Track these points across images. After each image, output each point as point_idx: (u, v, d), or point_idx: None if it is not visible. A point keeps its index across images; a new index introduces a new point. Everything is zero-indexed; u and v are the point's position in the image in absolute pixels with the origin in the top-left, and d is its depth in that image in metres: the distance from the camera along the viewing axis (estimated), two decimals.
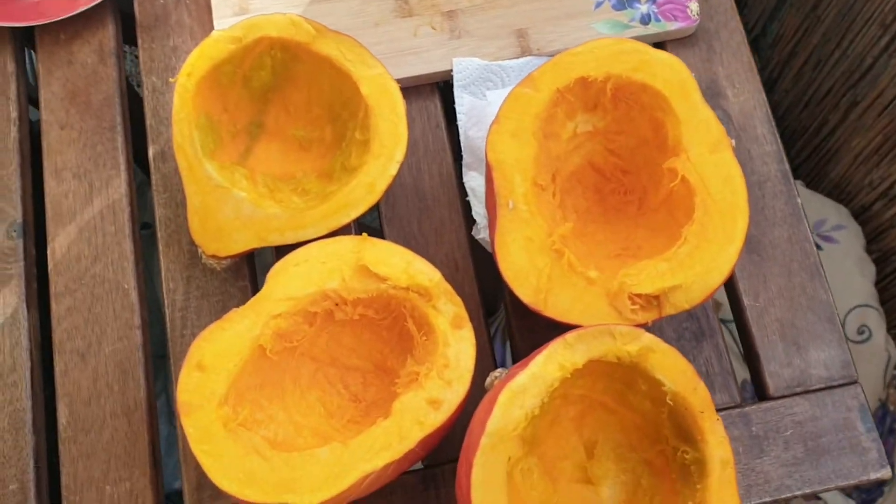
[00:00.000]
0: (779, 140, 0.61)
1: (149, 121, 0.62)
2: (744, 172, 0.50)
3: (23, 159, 0.62)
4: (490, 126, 0.52)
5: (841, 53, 1.16)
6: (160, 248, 0.58)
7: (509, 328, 0.58)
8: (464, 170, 0.59)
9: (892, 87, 1.06)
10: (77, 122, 0.62)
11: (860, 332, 1.00)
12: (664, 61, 0.51)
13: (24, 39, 0.65)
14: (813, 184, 1.27)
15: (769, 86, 1.37)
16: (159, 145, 0.61)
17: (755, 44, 1.41)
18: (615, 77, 0.51)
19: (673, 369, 0.45)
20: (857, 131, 1.15)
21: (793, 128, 1.34)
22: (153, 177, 0.60)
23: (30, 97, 0.66)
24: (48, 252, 0.59)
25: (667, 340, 0.55)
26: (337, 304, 0.50)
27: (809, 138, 1.30)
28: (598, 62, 0.51)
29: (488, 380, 0.48)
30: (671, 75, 0.51)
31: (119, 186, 0.60)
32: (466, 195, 0.59)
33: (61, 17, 0.62)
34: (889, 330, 1.07)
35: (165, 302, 0.57)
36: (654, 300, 0.47)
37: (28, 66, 0.71)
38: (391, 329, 0.52)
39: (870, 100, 1.11)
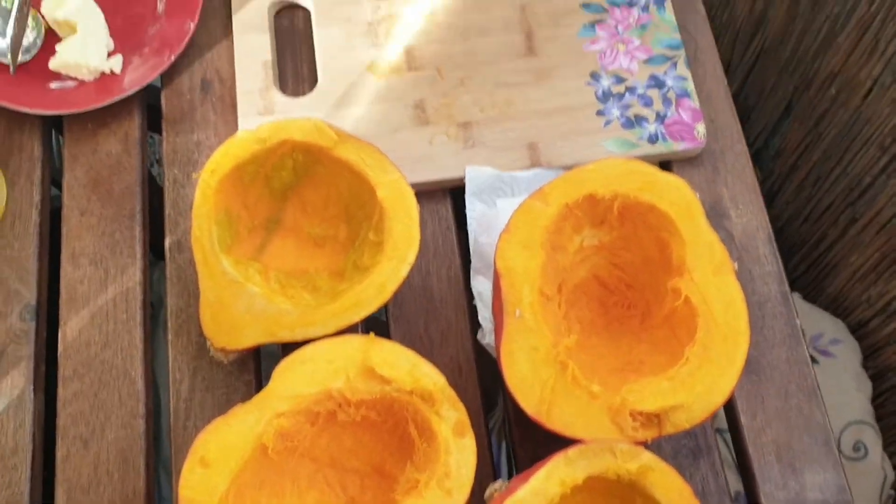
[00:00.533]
0: (779, 261, 0.63)
1: (168, 211, 0.63)
2: (745, 292, 0.51)
3: (41, 243, 0.63)
4: (500, 234, 0.53)
5: (841, 171, 1.19)
6: (170, 337, 0.59)
7: (510, 435, 0.58)
8: (472, 274, 0.61)
9: (890, 207, 1.08)
10: (97, 209, 0.63)
11: (856, 450, 1.00)
12: (671, 183, 0.53)
13: (54, 124, 0.68)
14: (811, 297, 1.28)
15: (770, 198, 1.40)
16: (176, 236, 0.63)
17: (757, 156, 1.45)
18: (622, 196, 0.53)
19: (671, 489, 0.45)
20: (856, 248, 1.17)
21: (792, 240, 1.36)
22: (168, 266, 0.62)
23: (53, 178, 0.68)
24: (59, 336, 0.59)
25: (664, 456, 0.56)
26: (340, 405, 0.51)
27: (808, 252, 1.32)
28: (607, 181, 0.53)
29: (488, 492, 0.48)
30: (677, 197, 0.53)
31: (134, 274, 0.61)
32: (473, 299, 0.60)
33: (91, 108, 0.65)
34: (885, 448, 1.07)
35: (170, 391, 0.58)
36: (655, 418, 0.48)
37: (55, 147, 0.73)
38: (393, 432, 0.52)
39: (868, 218, 1.13)
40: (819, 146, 1.25)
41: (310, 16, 0.70)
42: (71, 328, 0.60)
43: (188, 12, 0.68)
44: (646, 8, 0.69)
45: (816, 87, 1.23)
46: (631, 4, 0.69)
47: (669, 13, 0.69)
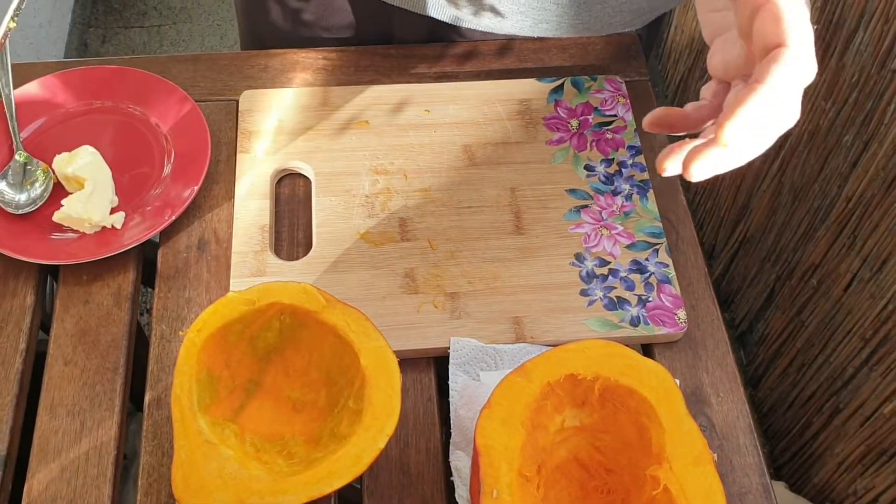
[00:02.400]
0: (760, 452, 0.63)
1: (151, 367, 0.63)
2: (725, 482, 0.51)
3: (21, 391, 0.63)
4: (481, 409, 0.53)
5: (824, 360, 1.21)
6: (139, 497, 0.58)
7: None
8: (451, 448, 0.60)
9: (873, 400, 1.09)
10: (82, 360, 0.63)
11: None
12: (651, 369, 0.54)
13: (50, 271, 0.69)
14: (797, 486, 1.26)
15: (754, 383, 1.40)
16: (157, 392, 0.62)
17: (741, 340, 1.47)
18: (604, 378, 0.54)
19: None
20: (841, 438, 1.17)
21: (777, 427, 1.35)
22: (145, 422, 0.61)
23: (42, 322, 0.69)
24: (25, 488, 0.58)
25: None
26: None
27: (793, 439, 1.31)
28: (588, 362, 0.54)
29: None
30: (657, 384, 0.53)
31: (110, 428, 0.61)
32: (451, 475, 0.60)
33: (88, 260, 0.66)
34: None
35: None
36: None
37: (48, 292, 0.74)
38: None
39: (852, 409, 1.13)
40: (802, 334, 1.27)
41: (310, 185, 0.73)
42: (38, 481, 0.58)
43: (193, 176, 0.70)
44: (629, 197, 0.72)
45: (798, 276, 1.26)
46: (615, 193, 0.72)
47: (652, 203, 0.72)
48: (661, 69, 1.76)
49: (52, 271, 0.69)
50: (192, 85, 0.78)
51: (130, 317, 0.66)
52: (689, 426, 0.52)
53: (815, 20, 1.14)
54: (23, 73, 0.76)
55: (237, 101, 0.77)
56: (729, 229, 1.48)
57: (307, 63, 0.81)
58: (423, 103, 0.77)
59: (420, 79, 0.80)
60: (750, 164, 1.36)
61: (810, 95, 1.18)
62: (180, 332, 0.61)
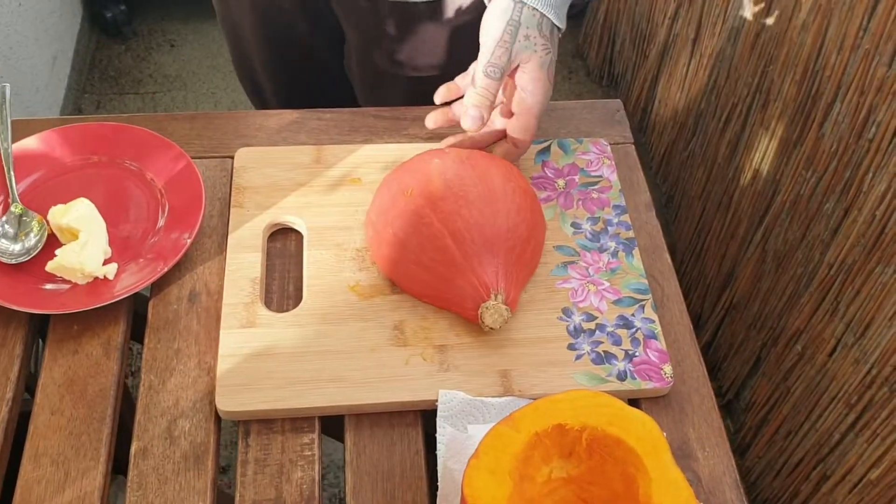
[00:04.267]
0: None
1: (138, 416, 0.63)
2: None
3: (5, 440, 0.62)
4: (469, 460, 0.53)
5: (810, 426, 1.20)
6: None
7: None
8: (438, 501, 0.60)
9: (860, 466, 1.08)
10: (69, 410, 0.63)
11: None
12: (638, 419, 0.54)
13: (40, 324, 0.69)
14: None
15: (742, 450, 1.40)
16: (143, 442, 0.62)
17: (728, 407, 1.47)
18: (591, 428, 0.54)
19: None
20: None
21: (765, 495, 1.34)
22: (130, 473, 0.61)
23: (26, 384, 0.69)
24: None
25: None
26: None
27: None
28: (575, 412, 0.54)
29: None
30: (644, 433, 0.53)
31: (94, 478, 0.60)
32: None
33: (79, 310, 0.66)
34: None
35: None
36: None
37: (34, 353, 0.74)
38: None
39: (839, 475, 1.13)
40: (788, 400, 1.27)
41: (302, 239, 0.74)
42: None
43: (186, 229, 0.71)
44: (615, 254, 0.73)
45: (783, 343, 1.27)
46: (601, 250, 0.73)
47: (637, 260, 0.73)
48: (646, 141, 1.80)
49: (42, 325, 0.69)
50: (188, 142, 0.80)
51: (119, 367, 0.66)
52: (675, 475, 0.52)
53: (795, 95, 1.18)
54: (21, 129, 0.78)
55: (232, 159, 0.79)
56: (715, 297, 1.49)
57: (302, 123, 0.83)
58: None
59: (412, 139, 0.82)
60: (734, 232, 1.37)
61: (792, 164, 1.21)
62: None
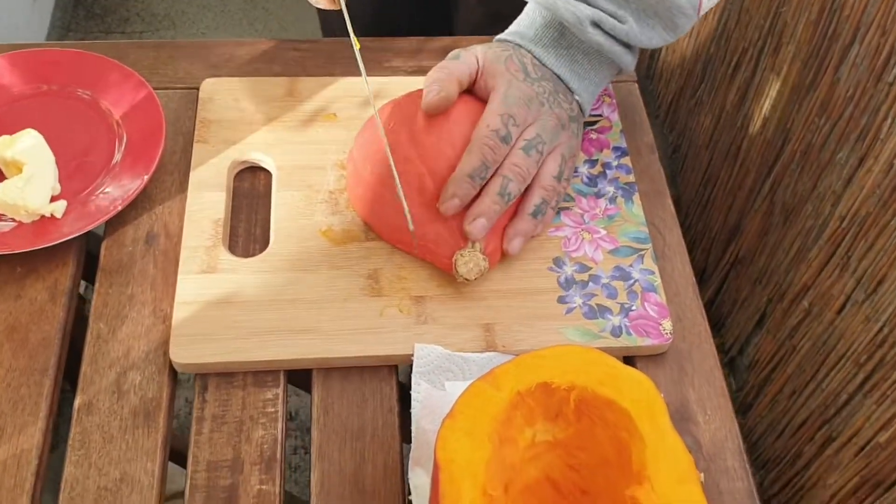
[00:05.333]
0: (750, 476, 0.57)
1: (84, 368, 0.58)
2: None
3: None
4: (444, 419, 0.48)
5: (816, 385, 1.15)
6: None
7: None
8: (409, 464, 0.54)
9: (868, 428, 1.03)
10: (7, 360, 0.58)
11: None
12: (633, 378, 0.48)
13: None
14: None
15: (744, 409, 1.35)
16: (88, 396, 0.57)
17: (731, 364, 1.41)
18: (580, 388, 0.48)
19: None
20: (834, 468, 1.11)
21: (767, 455, 1.30)
22: (72, 430, 0.55)
23: None
24: None
25: None
26: None
27: (784, 469, 1.25)
28: (563, 369, 0.49)
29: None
30: (639, 394, 0.48)
31: (33, 435, 0.55)
32: (409, 493, 0.54)
33: (23, 251, 0.60)
34: None
35: None
36: None
37: None
38: None
39: (845, 437, 1.08)
40: (793, 359, 1.21)
41: (271, 179, 0.68)
42: None
43: (144, 165, 0.65)
44: (613, 200, 0.67)
45: (790, 299, 1.21)
46: (598, 195, 0.67)
47: (637, 207, 0.67)
48: (653, 89, 1.73)
49: None
50: (152, 72, 0.74)
51: (66, 314, 0.61)
52: (673, 441, 0.47)
53: (809, 37, 1.11)
54: None
55: (198, 90, 0.72)
56: (720, 250, 1.43)
57: (276, 53, 0.76)
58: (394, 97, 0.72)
59: (395, 72, 0.76)
60: (741, 183, 1.30)
61: (804, 111, 1.14)
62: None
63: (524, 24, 0.65)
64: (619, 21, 0.62)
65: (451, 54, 0.64)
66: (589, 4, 0.61)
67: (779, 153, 1.21)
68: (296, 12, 1.95)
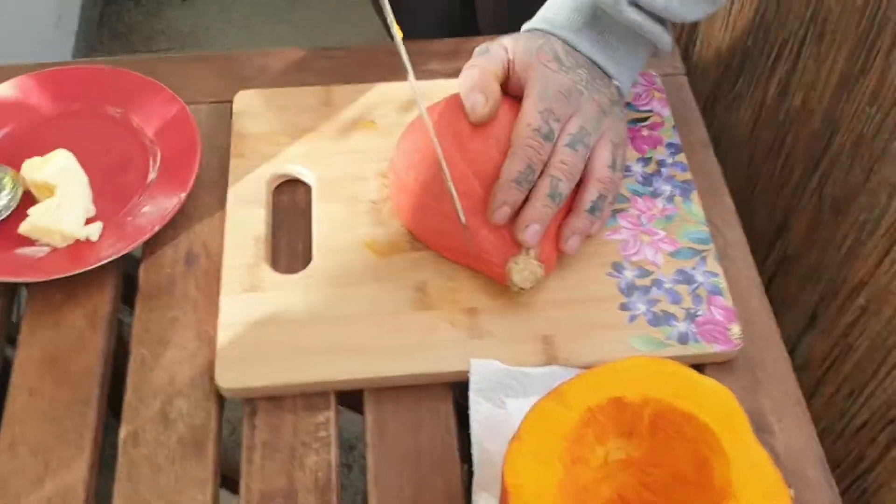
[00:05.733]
0: (835, 488, 0.53)
1: (128, 397, 0.55)
2: None
3: None
4: (510, 442, 0.45)
5: (876, 385, 1.10)
6: None
7: None
8: (474, 489, 0.51)
9: None
10: (49, 391, 0.56)
11: None
12: (712, 389, 0.45)
13: (15, 290, 0.61)
14: None
15: None
16: (133, 426, 0.54)
17: None
18: (655, 401, 0.45)
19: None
20: None
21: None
22: (119, 462, 0.53)
23: (10, 336, 0.61)
24: None
25: None
26: None
27: (844, 473, 1.20)
28: (636, 382, 0.46)
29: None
30: (719, 406, 0.45)
31: (79, 469, 0.53)
32: None
33: (59, 277, 0.58)
34: None
35: None
36: None
37: (16, 314, 0.66)
38: None
39: None
40: (850, 358, 1.17)
41: (311, 192, 0.65)
42: None
43: (180, 183, 0.63)
44: (670, 199, 0.64)
45: (844, 296, 1.17)
46: (654, 195, 0.64)
47: (696, 205, 0.64)
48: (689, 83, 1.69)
49: (19, 293, 0.62)
50: (181, 87, 0.71)
51: (107, 341, 0.58)
52: (759, 455, 0.43)
53: (857, 23, 1.07)
54: None
55: (231, 104, 0.70)
56: (766, 249, 1.38)
57: (308, 62, 0.74)
58: (435, 100, 0.69)
59: (432, 76, 0.73)
60: (786, 179, 1.26)
61: (853, 101, 1.10)
62: None
63: (552, 9, 0.62)
64: None
65: (478, 49, 0.61)
66: None
67: (827, 145, 1.17)
68: (324, 24, 1.93)
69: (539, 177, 0.57)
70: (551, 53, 0.59)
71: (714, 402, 0.45)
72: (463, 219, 0.56)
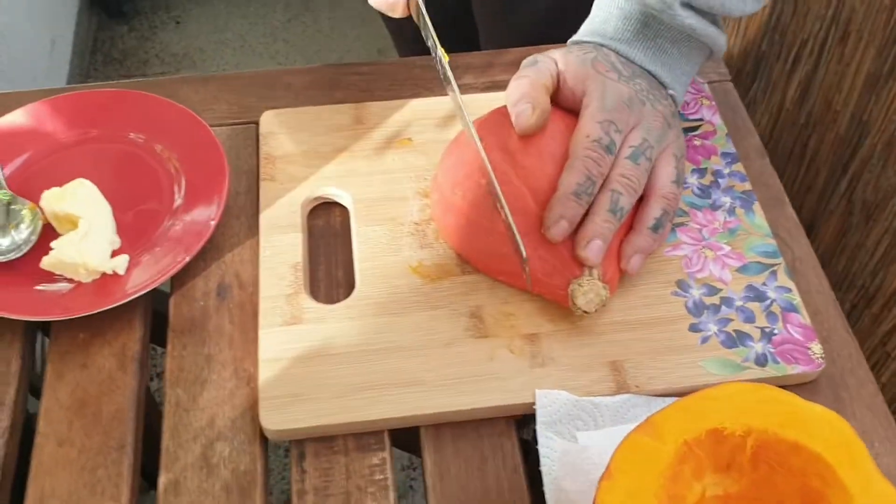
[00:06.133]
0: None
1: (166, 443, 0.51)
2: None
3: (4, 478, 0.50)
4: (598, 480, 0.41)
5: None
6: None
7: None
8: None
9: None
10: (79, 439, 0.51)
11: None
12: (821, 416, 0.41)
13: (39, 329, 0.57)
14: None
15: None
16: (174, 473, 0.50)
17: None
18: (758, 432, 0.41)
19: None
20: None
21: None
22: None
23: (33, 386, 0.57)
24: None
25: None
26: None
27: None
28: (736, 412, 0.42)
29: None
30: (832, 435, 0.41)
31: None
32: None
33: (85, 314, 0.54)
34: None
35: None
36: None
37: (39, 356, 0.62)
38: None
39: None
40: (888, 367, 1.13)
41: (348, 214, 0.61)
42: None
43: (208, 210, 0.59)
44: (732, 211, 0.60)
45: (880, 303, 1.14)
46: (714, 207, 0.60)
47: (760, 217, 0.60)
48: None
49: (43, 330, 0.57)
50: (204, 109, 0.67)
51: (138, 382, 0.54)
52: (884, 488, 0.39)
53: (884, 22, 1.04)
54: (3, 104, 0.65)
55: (257, 125, 0.66)
56: None
57: (336, 79, 0.70)
58: (473, 116, 0.65)
59: (467, 90, 0.69)
60: (811, 184, 1.22)
61: (882, 102, 1.07)
62: None
63: (598, 20, 0.59)
64: None
65: (526, 61, 0.58)
66: None
67: (855, 148, 1.14)
68: (319, 42, 1.90)
69: (599, 191, 0.54)
70: (608, 64, 0.56)
71: (826, 431, 0.41)
72: (522, 249, 0.52)
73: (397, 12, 0.57)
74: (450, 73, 0.55)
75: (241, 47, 1.89)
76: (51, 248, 0.55)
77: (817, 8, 1.18)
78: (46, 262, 0.55)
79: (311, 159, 0.63)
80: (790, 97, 1.29)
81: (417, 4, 0.56)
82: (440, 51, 0.55)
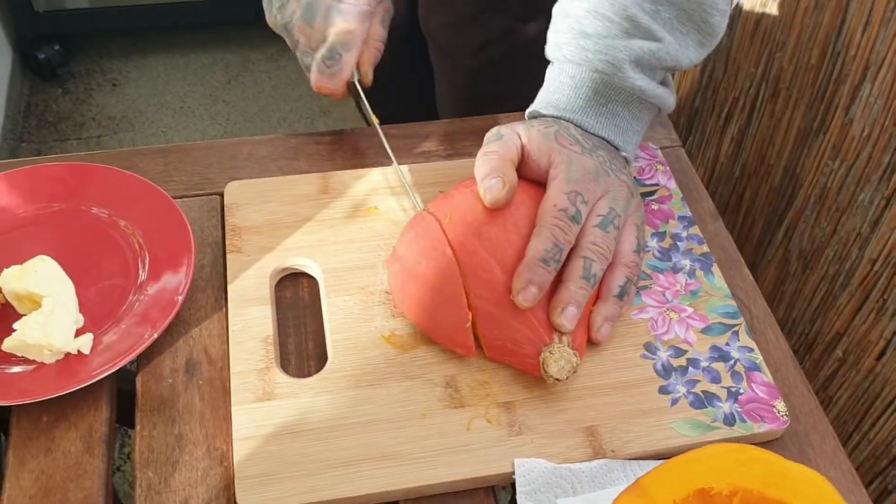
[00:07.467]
0: None
1: None
2: None
3: None
4: None
5: (861, 437, 1.11)
6: None
7: None
8: None
9: None
10: None
11: None
12: (803, 476, 0.42)
13: (1, 417, 0.55)
14: None
15: None
16: None
17: None
18: (743, 491, 0.42)
19: None
20: None
21: None
22: None
23: None
24: None
25: None
26: None
27: None
28: (722, 472, 0.43)
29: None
30: (815, 493, 0.42)
31: None
32: None
33: (49, 397, 0.53)
34: None
35: None
36: None
37: None
38: None
39: None
40: (831, 411, 1.17)
41: (317, 284, 0.61)
42: None
43: (174, 284, 0.58)
44: (692, 273, 0.62)
45: (820, 349, 1.18)
46: (675, 270, 0.62)
47: (719, 278, 0.62)
48: None
49: (4, 419, 0.55)
50: (165, 180, 0.67)
51: (106, 466, 0.53)
52: None
53: (812, 80, 1.09)
54: None
55: (221, 196, 0.66)
56: None
57: (298, 148, 0.70)
58: (438, 183, 0.66)
59: (428, 158, 0.70)
60: (748, 235, 1.26)
61: (814, 156, 1.12)
62: None
63: (551, 90, 0.61)
64: (656, 40, 0.58)
65: (490, 135, 0.59)
66: (624, 36, 0.57)
67: (789, 200, 1.19)
68: (259, 103, 1.90)
69: (568, 259, 0.55)
70: (570, 137, 0.58)
71: (810, 491, 0.42)
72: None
73: (338, 96, 0.64)
74: (385, 141, 0.57)
75: (181, 109, 1.88)
76: (13, 330, 0.53)
77: (747, 66, 1.24)
78: (9, 344, 0.53)
79: (278, 229, 0.63)
80: (724, 151, 1.35)
81: (354, 86, 0.61)
82: (374, 119, 0.58)
